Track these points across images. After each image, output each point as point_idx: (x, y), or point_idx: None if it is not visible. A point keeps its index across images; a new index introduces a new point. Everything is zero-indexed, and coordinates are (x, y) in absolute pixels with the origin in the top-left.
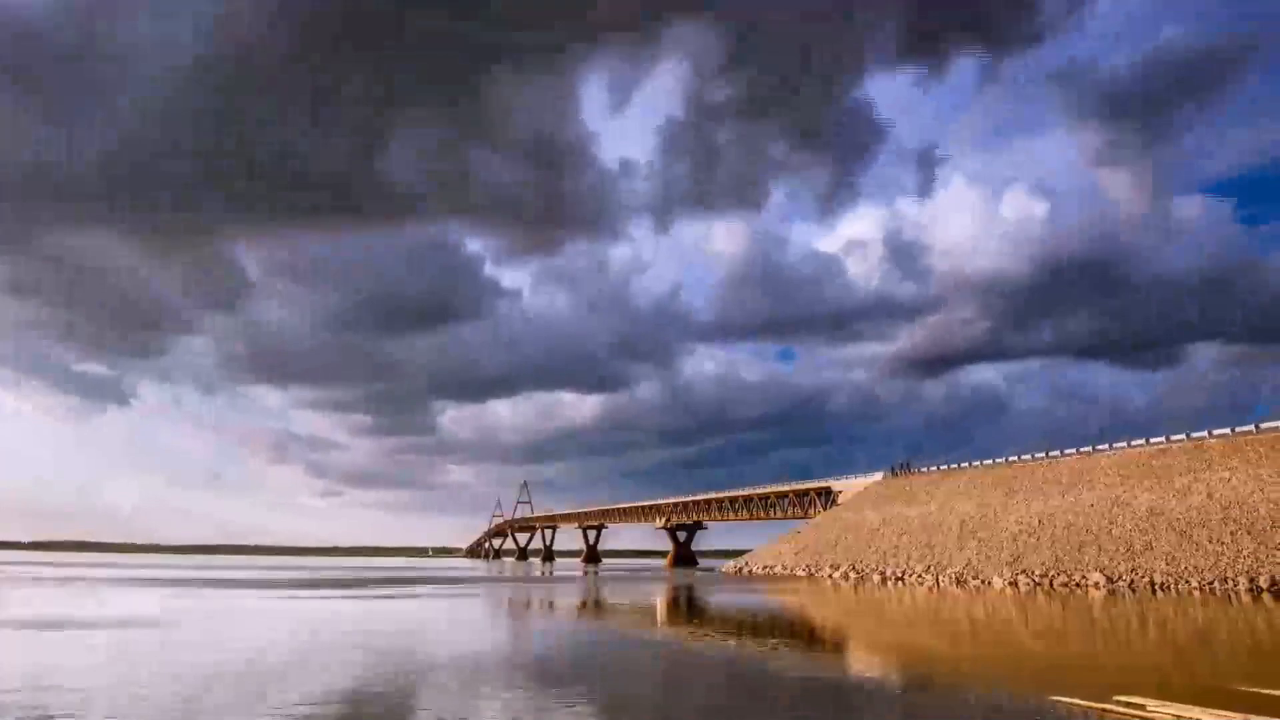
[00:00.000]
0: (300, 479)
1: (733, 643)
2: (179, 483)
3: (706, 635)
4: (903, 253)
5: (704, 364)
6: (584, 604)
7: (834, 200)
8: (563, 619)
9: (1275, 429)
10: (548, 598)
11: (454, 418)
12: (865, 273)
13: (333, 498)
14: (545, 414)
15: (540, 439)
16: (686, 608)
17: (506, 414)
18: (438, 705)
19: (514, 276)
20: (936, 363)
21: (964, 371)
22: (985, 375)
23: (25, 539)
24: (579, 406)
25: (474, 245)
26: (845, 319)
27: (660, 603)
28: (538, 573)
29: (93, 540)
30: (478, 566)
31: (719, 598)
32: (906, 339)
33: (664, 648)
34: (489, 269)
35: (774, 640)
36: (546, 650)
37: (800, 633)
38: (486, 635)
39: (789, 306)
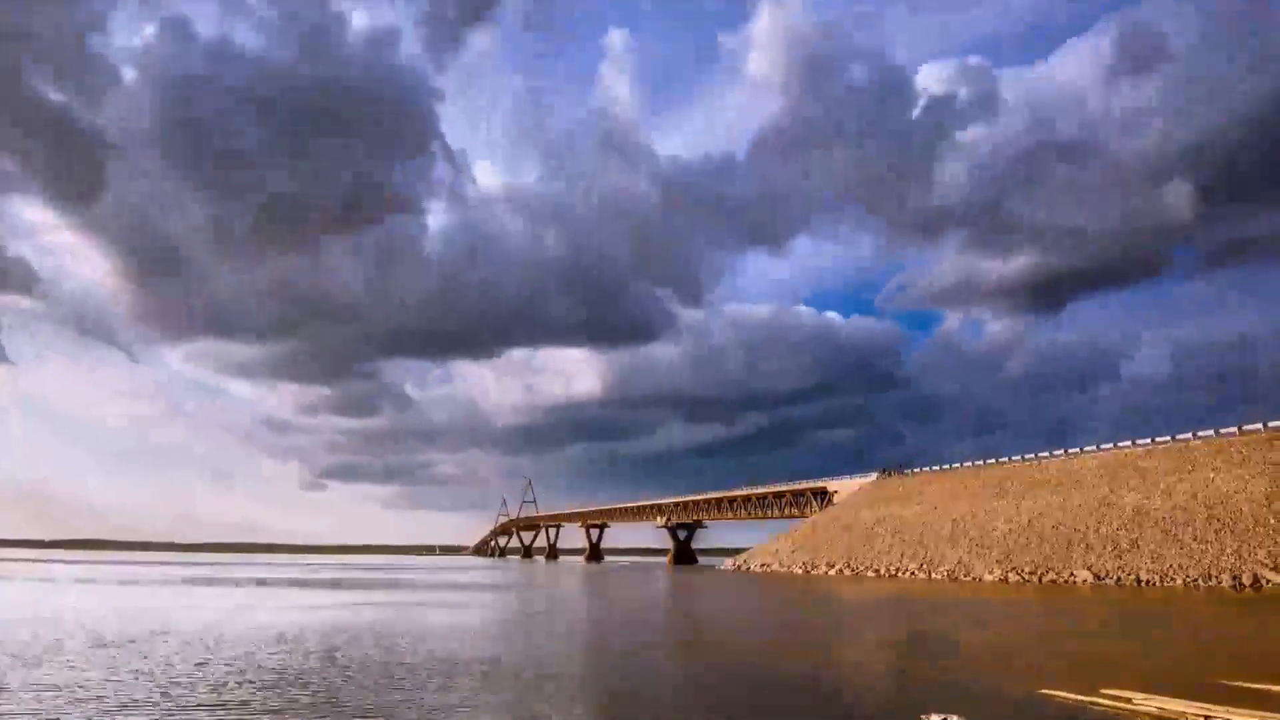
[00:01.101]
0: (274, 470)
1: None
2: (142, 475)
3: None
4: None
5: (746, 287)
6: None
7: None
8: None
9: (1257, 430)
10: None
11: (427, 397)
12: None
13: (317, 491)
14: (536, 386)
15: (535, 419)
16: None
17: (488, 384)
18: None
19: (465, 137)
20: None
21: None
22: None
23: (46, 537)
24: (578, 376)
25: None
26: (963, 208)
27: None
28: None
29: (113, 539)
30: (482, 564)
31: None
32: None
33: None
34: (444, 134)
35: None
36: None
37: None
38: None
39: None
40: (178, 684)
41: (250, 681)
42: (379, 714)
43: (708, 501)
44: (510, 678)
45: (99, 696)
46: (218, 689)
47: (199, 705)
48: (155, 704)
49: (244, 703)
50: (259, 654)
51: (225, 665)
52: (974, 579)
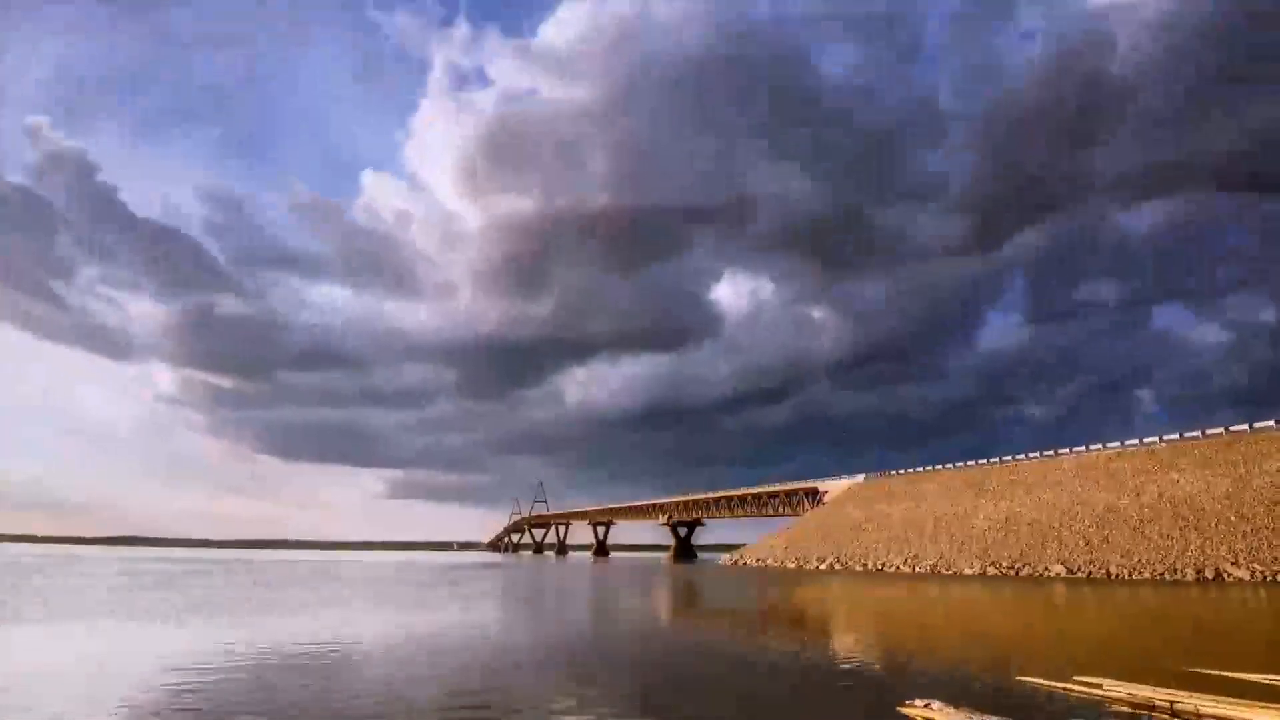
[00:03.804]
0: (217, 448)
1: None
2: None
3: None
4: None
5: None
6: None
7: None
8: None
9: (1219, 434)
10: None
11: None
12: None
13: (272, 463)
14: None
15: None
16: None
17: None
18: None
19: None
20: None
21: None
22: None
23: (92, 534)
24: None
25: None
26: None
27: None
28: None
29: (146, 536)
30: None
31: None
32: None
33: None
34: None
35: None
36: None
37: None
38: None
39: None
40: None
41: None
42: None
43: (706, 501)
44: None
45: None
46: None
47: None
48: None
49: None
50: None
51: None
52: (955, 573)
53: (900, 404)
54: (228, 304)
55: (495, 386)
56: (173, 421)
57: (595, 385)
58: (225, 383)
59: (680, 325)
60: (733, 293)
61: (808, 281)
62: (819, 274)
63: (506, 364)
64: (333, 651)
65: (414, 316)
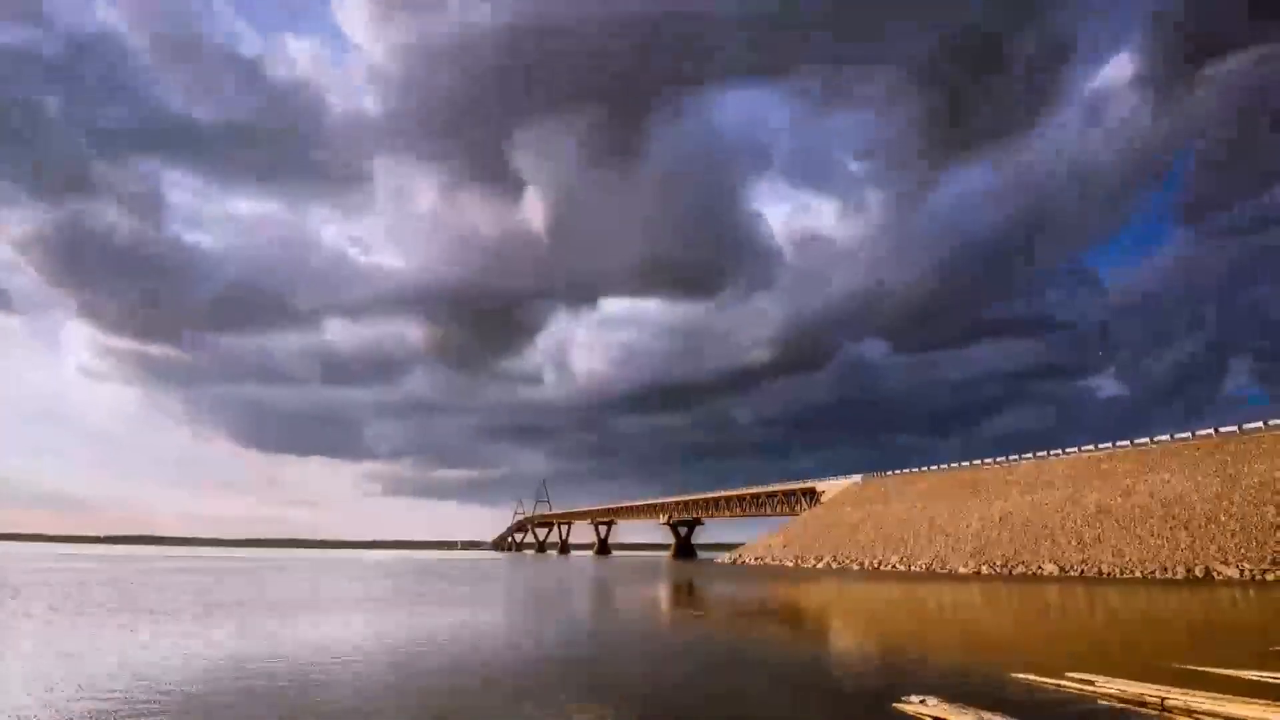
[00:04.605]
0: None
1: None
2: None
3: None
4: None
5: None
6: None
7: None
8: None
9: (1209, 435)
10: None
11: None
12: None
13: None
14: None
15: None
16: None
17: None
18: None
19: None
20: None
21: None
22: None
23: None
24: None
25: None
26: None
27: None
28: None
29: (157, 535)
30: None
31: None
32: None
33: None
34: None
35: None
36: None
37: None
38: None
39: None
40: None
41: None
42: None
43: (706, 500)
44: None
45: None
46: None
47: None
48: None
49: None
50: None
51: None
52: (950, 572)
53: (977, 371)
54: (104, 214)
55: (475, 348)
56: (119, 402)
57: (595, 352)
58: (152, 349)
59: (704, 257)
60: (785, 207)
61: (901, 174)
62: (916, 162)
63: (486, 317)
64: (314, 659)
65: (351, 233)
